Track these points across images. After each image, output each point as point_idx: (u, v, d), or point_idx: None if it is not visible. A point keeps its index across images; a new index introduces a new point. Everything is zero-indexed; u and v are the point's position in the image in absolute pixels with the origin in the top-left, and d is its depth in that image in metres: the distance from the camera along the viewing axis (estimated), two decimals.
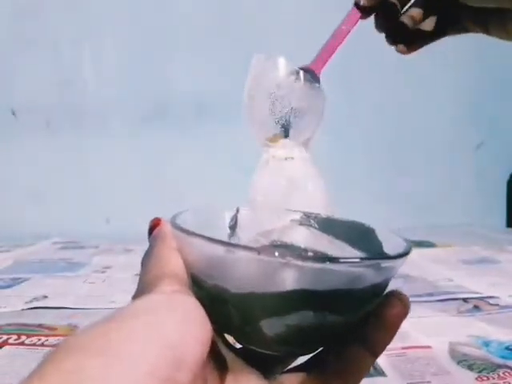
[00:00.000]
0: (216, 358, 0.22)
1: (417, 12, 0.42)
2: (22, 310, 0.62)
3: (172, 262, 0.22)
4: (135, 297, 0.21)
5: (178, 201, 1.00)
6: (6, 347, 0.50)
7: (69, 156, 1.21)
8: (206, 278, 0.22)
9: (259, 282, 0.20)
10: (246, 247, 0.21)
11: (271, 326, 0.21)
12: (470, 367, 0.45)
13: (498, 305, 0.62)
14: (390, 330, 0.23)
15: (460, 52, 1.14)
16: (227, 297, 0.21)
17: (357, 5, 0.41)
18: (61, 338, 0.53)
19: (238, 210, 0.29)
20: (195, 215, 0.26)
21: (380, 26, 0.43)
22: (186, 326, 0.19)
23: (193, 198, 0.99)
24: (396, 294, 0.23)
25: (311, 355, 0.25)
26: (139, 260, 0.23)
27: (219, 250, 0.20)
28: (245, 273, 0.21)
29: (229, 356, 0.23)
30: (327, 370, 0.24)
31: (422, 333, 0.53)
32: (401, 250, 0.22)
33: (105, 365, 0.16)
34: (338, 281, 0.20)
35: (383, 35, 0.45)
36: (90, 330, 0.17)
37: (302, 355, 0.25)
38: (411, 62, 1.29)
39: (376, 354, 0.23)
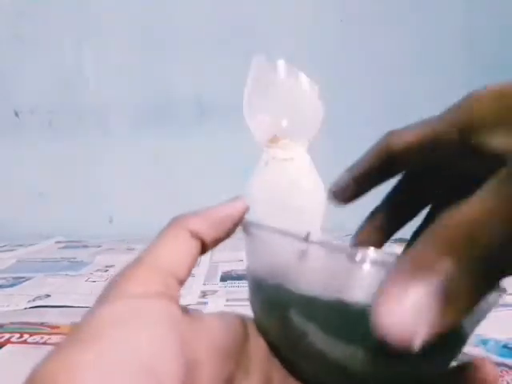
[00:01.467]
0: (261, 376, 0.21)
1: None
2: (25, 308, 0.63)
3: (168, 254, 0.20)
4: (122, 272, 0.20)
5: (179, 200, 1.01)
6: (9, 346, 0.50)
7: (71, 156, 1.21)
8: (269, 277, 0.20)
9: (328, 284, 0.18)
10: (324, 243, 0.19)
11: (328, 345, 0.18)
12: None
13: None
14: None
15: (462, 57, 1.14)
16: (289, 299, 0.19)
17: None
18: (63, 336, 0.53)
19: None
20: None
21: None
22: (161, 342, 0.16)
23: (194, 198, 0.99)
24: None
25: None
26: None
27: (297, 246, 0.19)
28: (316, 271, 0.19)
29: (280, 373, 0.21)
30: None
31: None
32: None
33: None
34: None
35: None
36: (55, 360, 0.15)
37: None
38: (412, 64, 1.29)
39: None
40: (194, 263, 0.21)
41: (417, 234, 0.28)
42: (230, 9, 1.19)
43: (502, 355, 0.47)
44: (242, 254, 0.93)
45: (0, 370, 0.45)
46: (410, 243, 0.27)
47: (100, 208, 1.21)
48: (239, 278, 0.74)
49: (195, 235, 0.21)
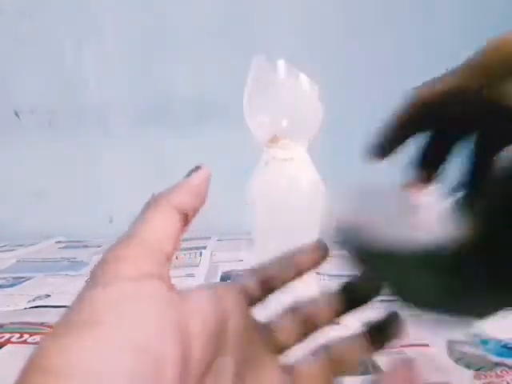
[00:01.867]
0: (232, 344, 0.21)
1: None
2: (25, 308, 0.63)
3: (156, 232, 0.20)
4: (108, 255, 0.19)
5: None
6: (9, 346, 0.50)
7: (71, 156, 1.21)
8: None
9: None
10: None
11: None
12: (468, 365, 0.45)
13: None
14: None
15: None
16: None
17: None
18: None
19: None
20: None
21: None
22: (157, 324, 0.17)
23: None
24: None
25: None
26: None
27: None
28: None
29: (256, 352, 0.22)
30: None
31: (420, 331, 0.53)
32: None
33: None
34: None
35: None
36: (53, 347, 0.16)
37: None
38: (412, 64, 1.29)
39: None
40: (180, 238, 0.21)
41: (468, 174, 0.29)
42: (229, 9, 1.19)
43: (501, 355, 0.47)
44: (242, 254, 0.93)
45: (0, 370, 0.45)
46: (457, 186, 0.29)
47: (100, 208, 1.21)
48: (239, 278, 0.74)
49: (180, 210, 0.21)
